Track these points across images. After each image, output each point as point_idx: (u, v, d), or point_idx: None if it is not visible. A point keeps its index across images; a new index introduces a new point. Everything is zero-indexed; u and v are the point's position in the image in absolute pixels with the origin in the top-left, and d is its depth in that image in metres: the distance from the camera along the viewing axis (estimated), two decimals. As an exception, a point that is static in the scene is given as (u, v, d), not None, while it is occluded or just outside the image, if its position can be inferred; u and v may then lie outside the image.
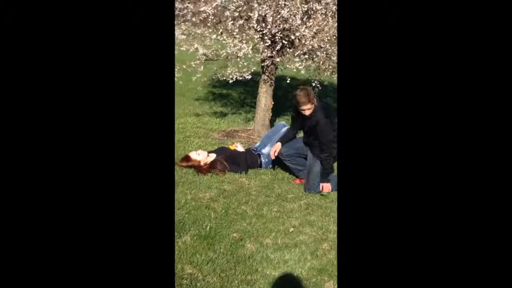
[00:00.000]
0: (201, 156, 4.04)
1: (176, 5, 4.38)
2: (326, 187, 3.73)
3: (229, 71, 4.67)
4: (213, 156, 4.13)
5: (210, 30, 4.57)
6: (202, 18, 4.46)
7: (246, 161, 4.15)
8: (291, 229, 3.00)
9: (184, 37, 4.63)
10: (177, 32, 4.63)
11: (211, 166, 4.01)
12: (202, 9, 4.23)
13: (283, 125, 4.50)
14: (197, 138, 5.12)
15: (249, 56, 4.57)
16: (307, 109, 3.72)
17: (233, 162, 4.09)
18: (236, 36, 4.44)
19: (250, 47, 4.43)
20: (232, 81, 4.67)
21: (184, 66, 4.72)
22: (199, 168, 3.97)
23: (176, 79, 4.76)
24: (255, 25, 4.32)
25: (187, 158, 4.05)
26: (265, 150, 4.26)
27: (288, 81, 4.83)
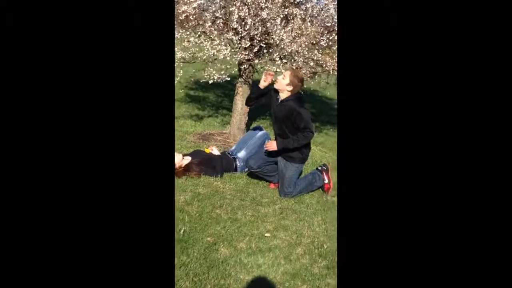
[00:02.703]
0: (176, 159, 3.99)
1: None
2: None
3: (206, 73, 4.64)
4: (188, 159, 4.08)
5: (187, 33, 4.54)
6: (180, 20, 4.43)
7: (222, 165, 4.12)
8: (267, 234, 2.98)
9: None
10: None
11: (186, 169, 3.97)
12: (182, 9, 4.19)
13: (259, 128, 4.48)
14: (172, 140, 5.07)
15: (227, 58, 4.56)
16: (285, 91, 3.60)
17: (208, 165, 4.05)
18: (215, 38, 4.42)
19: (228, 49, 4.41)
20: (211, 81, 4.65)
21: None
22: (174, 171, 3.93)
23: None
24: (235, 25, 4.30)
25: None
26: (240, 154, 4.24)
27: (265, 84, 4.82)
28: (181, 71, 4.65)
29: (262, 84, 3.68)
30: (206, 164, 4.05)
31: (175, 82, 4.89)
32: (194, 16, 4.33)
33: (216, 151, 4.43)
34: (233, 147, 4.45)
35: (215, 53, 4.43)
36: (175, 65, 4.64)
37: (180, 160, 4.01)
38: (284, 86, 3.60)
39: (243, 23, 4.37)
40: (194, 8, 4.26)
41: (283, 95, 3.64)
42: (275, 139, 3.79)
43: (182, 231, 2.88)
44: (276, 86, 3.65)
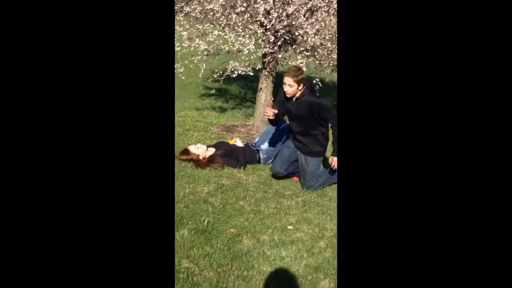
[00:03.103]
0: (200, 150, 4.04)
1: (182, 4, 4.39)
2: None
3: (231, 66, 4.66)
4: (212, 150, 4.13)
5: (212, 26, 4.57)
6: (204, 13, 4.46)
7: (245, 157, 4.15)
8: (289, 227, 3.01)
9: (186, 33, 4.61)
10: (179, 29, 4.62)
11: (210, 160, 4.01)
12: (209, 7, 4.22)
13: (283, 122, 4.49)
14: (196, 132, 5.12)
15: (251, 51, 4.57)
16: (291, 88, 3.57)
17: (232, 156, 4.09)
18: (239, 31, 4.44)
19: (253, 42, 4.42)
20: (234, 75, 4.67)
21: (186, 62, 4.72)
22: (198, 162, 3.97)
23: (178, 73, 4.77)
24: (261, 19, 4.31)
25: (186, 152, 4.05)
26: (263, 146, 4.26)
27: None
28: (205, 64, 4.68)
29: (272, 119, 3.72)
30: (229, 156, 4.09)
31: (200, 75, 4.93)
32: (220, 10, 4.36)
33: (239, 143, 4.46)
34: (257, 139, 4.47)
35: (239, 46, 4.45)
36: (199, 57, 4.68)
37: (204, 151, 4.06)
38: (295, 90, 3.58)
39: (268, 16, 4.37)
40: (221, 4, 4.28)
41: (297, 95, 3.63)
42: (294, 138, 3.81)
43: (206, 221, 2.93)
44: (289, 95, 3.62)
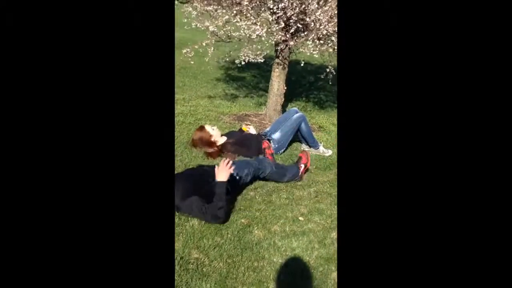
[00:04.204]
0: (215, 132, 4.01)
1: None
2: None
3: (242, 53, 4.60)
4: (223, 139, 4.09)
5: (223, 11, 4.50)
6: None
7: (257, 145, 4.10)
8: (301, 218, 2.97)
9: (195, 13, 4.55)
10: (190, 9, 4.57)
11: (221, 149, 3.98)
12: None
13: (295, 111, 4.42)
14: (208, 121, 5.09)
15: (263, 39, 4.50)
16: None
17: (243, 145, 4.05)
18: (251, 18, 4.37)
19: (265, 30, 4.35)
20: (244, 63, 4.61)
21: (196, 47, 4.66)
22: (208, 153, 3.95)
23: (189, 59, 4.73)
24: (271, 5, 4.24)
25: (201, 128, 4.04)
26: (275, 136, 4.21)
27: (302, 65, 4.75)
28: (212, 48, 4.62)
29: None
30: (240, 144, 4.05)
31: (208, 60, 4.88)
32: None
33: (252, 130, 4.43)
34: (268, 128, 4.42)
35: (251, 33, 4.38)
36: (208, 41, 4.62)
37: (218, 135, 4.04)
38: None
39: (281, 2, 4.29)
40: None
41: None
42: None
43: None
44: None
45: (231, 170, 2.86)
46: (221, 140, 4.06)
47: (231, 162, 2.90)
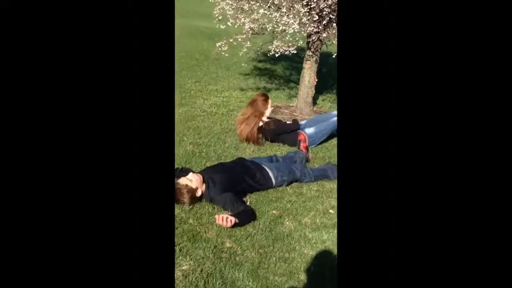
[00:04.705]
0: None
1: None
2: None
3: (274, 46, 4.63)
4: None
5: (258, 4, 4.53)
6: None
7: (294, 135, 4.15)
8: (331, 211, 3.00)
9: (232, 12, 4.60)
10: (225, 7, 4.61)
11: (260, 131, 4.22)
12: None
13: (335, 115, 4.40)
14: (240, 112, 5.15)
15: (296, 31, 4.51)
16: None
17: (281, 134, 4.25)
18: (284, 10, 4.38)
19: (297, 22, 4.36)
20: (277, 55, 4.64)
21: (231, 40, 4.72)
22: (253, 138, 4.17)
23: (222, 52, 4.79)
24: (303, -1, 4.25)
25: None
26: (308, 131, 4.23)
27: (334, 56, 4.74)
28: (249, 43, 4.66)
29: None
30: (278, 132, 4.25)
31: (242, 53, 4.92)
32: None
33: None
34: (304, 122, 4.44)
35: (284, 25, 4.40)
36: (244, 36, 4.67)
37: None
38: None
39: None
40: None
41: None
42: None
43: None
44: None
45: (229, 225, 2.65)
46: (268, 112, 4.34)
47: (229, 221, 2.63)
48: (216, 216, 2.61)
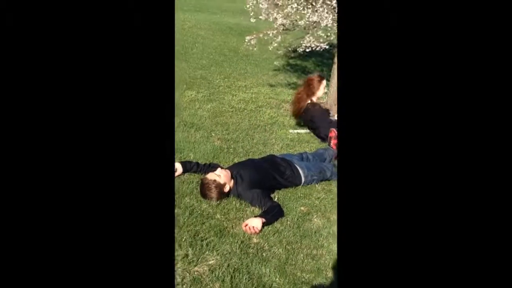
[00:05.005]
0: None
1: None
2: None
3: (306, 41, 4.57)
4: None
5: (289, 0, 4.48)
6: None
7: (325, 132, 4.13)
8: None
9: (265, 6, 4.57)
10: (260, 0, 4.59)
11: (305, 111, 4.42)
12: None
13: None
14: (269, 108, 5.12)
15: (328, 25, 4.45)
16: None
17: (314, 127, 4.36)
18: (317, 6, 4.32)
19: (331, 17, 4.30)
20: (308, 49, 4.59)
21: (261, 35, 4.68)
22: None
23: (250, 48, 4.76)
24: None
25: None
26: None
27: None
28: (280, 37, 4.62)
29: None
30: (312, 124, 4.35)
31: (272, 49, 4.88)
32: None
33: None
34: (335, 118, 4.39)
35: (316, 21, 4.34)
36: (275, 31, 4.63)
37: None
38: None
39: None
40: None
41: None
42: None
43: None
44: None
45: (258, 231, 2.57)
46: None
47: (257, 229, 2.55)
48: (243, 227, 2.57)
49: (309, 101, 4.39)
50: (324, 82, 4.40)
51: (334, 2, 4.30)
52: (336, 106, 5.02)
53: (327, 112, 4.39)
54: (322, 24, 4.36)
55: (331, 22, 4.36)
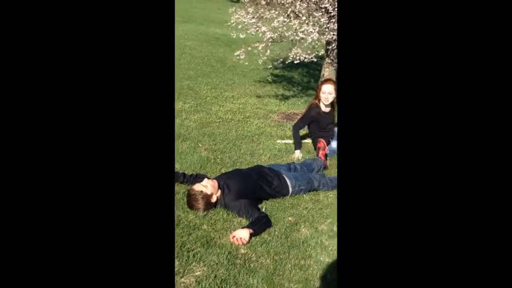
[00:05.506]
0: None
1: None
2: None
3: (293, 53, 4.61)
4: None
5: (277, 12, 4.53)
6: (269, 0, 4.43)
7: (316, 142, 4.13)
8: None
9: (253, 21, 4.60)
10: (246, 16, 4.62)
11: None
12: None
13: None
14: (256, 119, 5.13)
15: (315, 38, 4.49)
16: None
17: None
18: (303, 18, 4.37)
19: (316, 30, 4.35)
20: (296, 62, 4.62)
21: (249, 48, 4.71)
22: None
23: (239, 60, 4.78)
24: (326, 5, 4.23)
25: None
26: (334, 144, 4.17)
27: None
28: (268, 51, 4.66)
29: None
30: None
31: (260, 61, 4.91)
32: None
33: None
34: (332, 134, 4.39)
35: (303, 34, 4.39)
36: (263, 45, 4.66)
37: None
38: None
39: (334, 2, 4.27)
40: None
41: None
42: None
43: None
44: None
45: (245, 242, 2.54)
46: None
47: (244, 240, 2.52)
48: (231, 238, 2.55)
49: (315, 101, 4.36)
50: (323, 86, 4.27)
51: (320, 14, 4.35)
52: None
53: (322, 115, 4.32)
54: (308, 40, 4.41)
55: (317, 35, 4.41)
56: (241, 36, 4.84)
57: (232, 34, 5.08)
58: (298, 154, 4.04)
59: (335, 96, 4.21)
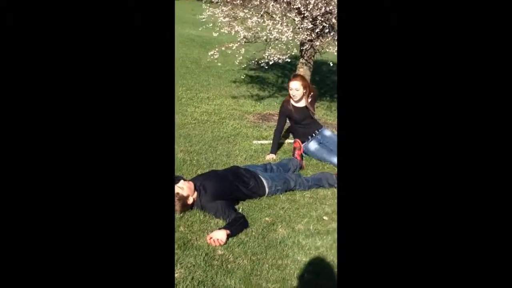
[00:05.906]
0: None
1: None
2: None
3: (267, 54, 4.62)
4: None
5: (251, 12, 4.53)
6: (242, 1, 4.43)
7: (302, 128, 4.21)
8: (325, 217, 2.97)
9: (226, 19, 4.60)
10: (219, 15, 4.61)
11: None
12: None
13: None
14: (232, 120, 5.12)
15: (289, 38, 4.51)
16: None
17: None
18: (277, 19, 4.39)
19: (290, 30, 4.37)
20: (271, 63, 4.63)
21: (223, 48, 4.70)
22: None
23: (214, 60, 4.77)
24: (298, 5, 4.25)
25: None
26: (310, 145, 4.17)
27: (331, 65, 4.73)
28: (243, 50, 4.66)
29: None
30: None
31: (237, 62, 4.91)
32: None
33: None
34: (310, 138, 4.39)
35: (277, 33, 4.40)
36: (237, 44, 4.66)
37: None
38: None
39: (307, 3, 4.29)
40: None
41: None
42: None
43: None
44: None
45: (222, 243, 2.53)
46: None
47: (221, 241, 2.52)
48: (207, 240, 2.54)
49: (287, 97, 4.31)
50: (290, 83, 4.19)
51: (294, 15, 4.37)
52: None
53: (297, 112, 4.27)
54: (283, 40, 4.42)
55: (291, 34, 4.43)
56: (215, 34, 4.82)
57: (206, 34, 5.07)
58: (270, 157, 4.04)
59: (305, 91, 4.16)
